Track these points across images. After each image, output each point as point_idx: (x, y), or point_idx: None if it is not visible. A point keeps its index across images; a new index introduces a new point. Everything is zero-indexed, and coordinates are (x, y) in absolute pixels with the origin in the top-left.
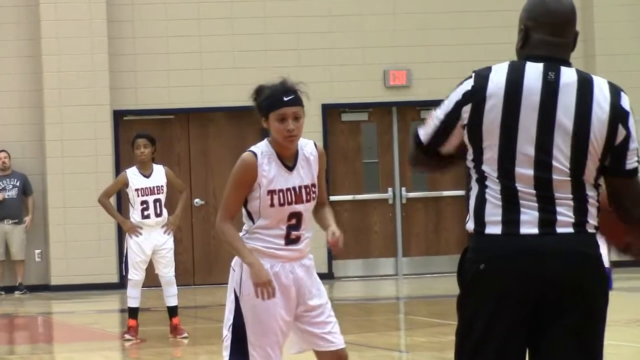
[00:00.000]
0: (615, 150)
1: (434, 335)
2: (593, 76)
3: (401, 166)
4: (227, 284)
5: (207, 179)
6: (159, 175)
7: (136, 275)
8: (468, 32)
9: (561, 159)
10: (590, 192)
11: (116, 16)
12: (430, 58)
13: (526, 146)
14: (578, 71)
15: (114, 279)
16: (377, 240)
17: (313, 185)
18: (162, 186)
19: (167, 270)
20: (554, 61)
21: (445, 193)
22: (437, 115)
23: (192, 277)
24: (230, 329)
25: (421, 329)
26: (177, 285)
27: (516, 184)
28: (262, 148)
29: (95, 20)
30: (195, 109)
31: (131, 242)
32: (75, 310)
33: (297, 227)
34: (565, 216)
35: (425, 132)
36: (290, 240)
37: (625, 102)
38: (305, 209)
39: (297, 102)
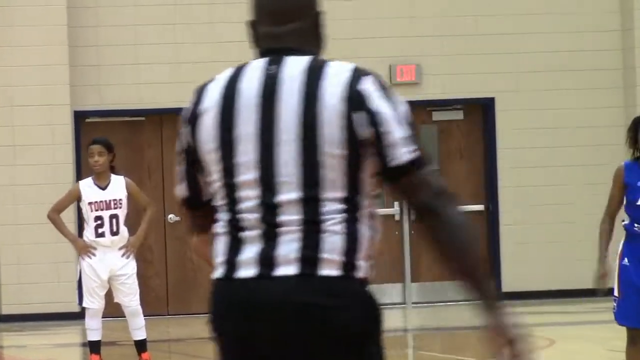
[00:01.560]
0: (361, 143)
1: None
2: (333, 62)
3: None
4: (207, 313)
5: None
6: (118, 187)
7: (92, 303)
8: (488, 20)
9: (288, 172)
10: (331, 214)
11: (76, 2)
12: (443, 50)
13: (247, 161)
14: (312, 59)
15: (74, 307)
16: (381, 263)
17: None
18: (120, 200)
19: (128, 299)
20: (281, 53)
21: (461, 208)
22: (177, 157)
23: (165, 306)
24: None
25: None
26: (149, 315)
27: (241, 212)
28: None
29: (52, 5)
30: (170, 109)
31: (84, 265)
32: (29, 344)
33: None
34: (289, 251)
35: (179, 186)
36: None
37: (368, 83)
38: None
39: None
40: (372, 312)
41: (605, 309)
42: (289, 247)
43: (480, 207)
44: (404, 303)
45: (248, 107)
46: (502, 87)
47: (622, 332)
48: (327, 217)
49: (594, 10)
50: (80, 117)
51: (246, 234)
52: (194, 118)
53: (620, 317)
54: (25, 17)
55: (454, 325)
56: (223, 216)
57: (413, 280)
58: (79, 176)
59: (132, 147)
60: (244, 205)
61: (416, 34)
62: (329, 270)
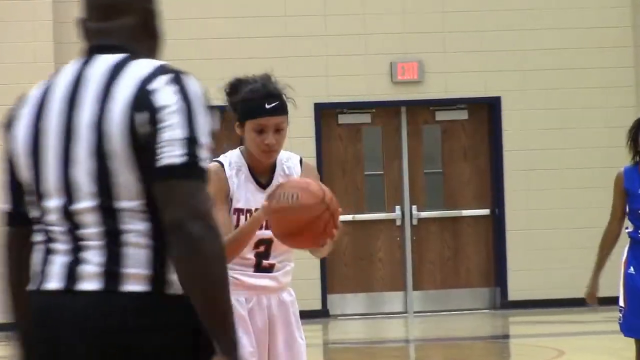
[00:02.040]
0: (142, 145)
1: None
2: (139, 61)
3: (411, 179)
4: None
5: None
6: None
7: None
8: (494, 16)
9: (83, 180)
10: (133, 225)
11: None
12: (447, 47)
13: (50, 170)
14: (121, 57)
15: None
16: (382, 270)
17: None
18: None
19: None
20: (105, 50)
21: (466, 212)
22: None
23: None
24: None
25: None
26: None
27: (50, 222)
28: (231, 158)
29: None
30: None
31: None
32: None
33: (266, 255)
34: (91, 264)
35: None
36: (262, 269)
37: (162, 81)
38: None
39: (281, 110)
40: (182, 335)
41: (616, 318)
42: (91, 260)
43: (485, 212)
44: (406, 312)
45: (53, 111)
46: (508, 86)
47: (632, 342)
48: (128, 227)
49: (603, 5)
50: None
51: (55, 245)
52: (10, 123)
53: (627, 328)
54: (10, 12)
55: (459, 336)
56: (38, 226)
57: (415, 288)
58: None
59: None
60: (51, 216)
61: (418, 29)
62: (134, 285)
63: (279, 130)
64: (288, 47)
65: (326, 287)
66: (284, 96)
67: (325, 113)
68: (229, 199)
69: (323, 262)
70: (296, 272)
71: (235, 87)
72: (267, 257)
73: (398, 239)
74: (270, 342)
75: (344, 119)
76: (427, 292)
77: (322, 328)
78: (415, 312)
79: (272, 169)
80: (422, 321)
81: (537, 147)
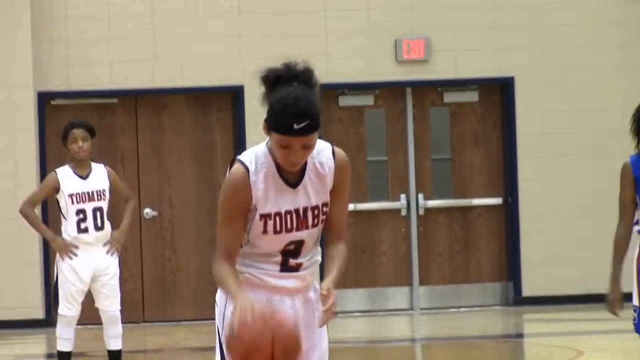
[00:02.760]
0: None
1: None
2: None
3: (417, 166)
4: (187, 320)
5: (161, 182)
6: (100, 176)
7: (69, 309)
8: None
9: None
10: None
11: None
12: (456, 23)
13: None
14: None
15: (39, 314)
16: (386, 263)
17: (324, 204)
18: (103, 190)
19: (109, 303)
20: None
21: (476, 201)
22: None
23: (141, 312)
24: None
25: None
26: (123, 323)
27: None
28: (256, 156)
29: None
30: (146, 90)
31: (63, 266)
32: None
33: (295, 254)
34: None
35: None
36: (288, 268)
37: None
38: (310, 234)
39: (311, 129)
40: None
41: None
42: None
43: (498, 201)
44: (412, 309)
45: None
46: (522, 65)
47: None
48: None
49: None
50: (45, 99)
51: None
52: None
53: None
54: None
55: (469, 335)
56: None
57: (422, 283)
58: (44, 166)
59: (103, 133)
60: None
61: (425, 3)
62: None
63: (306, 148)
64: (284, 23)
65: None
66: (316, 112)
67: (324, 94)
68: (248, 211)
69: (322, 256)
70: None
71: (271, 82)
72: (296, 256)
73: (403, 230)
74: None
75: (345, 100)
76: (434, 287)
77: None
78: (421, 309)
79: (303, 165)
80: (429, 319)
81: (554, 131)
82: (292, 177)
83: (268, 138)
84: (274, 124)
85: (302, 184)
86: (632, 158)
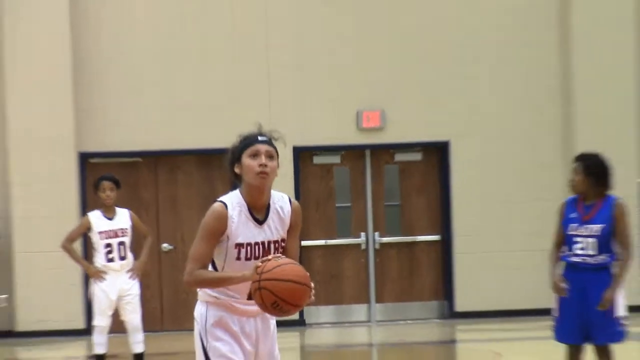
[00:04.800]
0: None
1: None
2: None
3: (374, 210)
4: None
5: (175, 223)
6: (123, 218)
7: (102, 321)
8: (444, 68)
9: None
10: None
11: (82, 52)
12: (405, 97)
13: None
14: None
15: (81, 325)
16: (349, 286)
17: (282, 240)
18: (126, 229)
19: (133, 317)
20: None
21: (420, 238)
22: None
23: (160, 323)
24: None
25: None
26: (145, 331)
27: None
28: (232, 199)
29: (59, 65)
30: (163, 151)
31: (96, 288)
32: (41, 357)
33: None
34: None
35: None
36: (251, 297)
37: None
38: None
39: (271, 143)
40: None
41: (545, 327)
42: None
43: (436, 237)
44: (369, 321)
45: None
46: (455, 132)
47: (560, 346)
48: None
49: (538, 59)
50: (85, 159)
51: None
52: None
53: (559, 335)
54: (30, 57)
55: (413, 341)
56: None
57: (377, 301)
58: (84, 210)
59: (131, 184)
60: None
61: (381, 82)
62: None
63: (270, 157)
64: (270, 96)
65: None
66: (273, 140)
67: (302, 155)
68: (220, 237)
69: None
70: None
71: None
72: None
73: (363, 260)
74: (256, 353)
75: (318, 159)
76: (387, 304)
77: (299, 335)
78: (377, 321)
79: (267, 207)
80: (383, 329)
81: (479, 184)
82: (259, 215)
83: (238, 188)
84: (243, 145)
85: (266, 222)
86: (568, 199)
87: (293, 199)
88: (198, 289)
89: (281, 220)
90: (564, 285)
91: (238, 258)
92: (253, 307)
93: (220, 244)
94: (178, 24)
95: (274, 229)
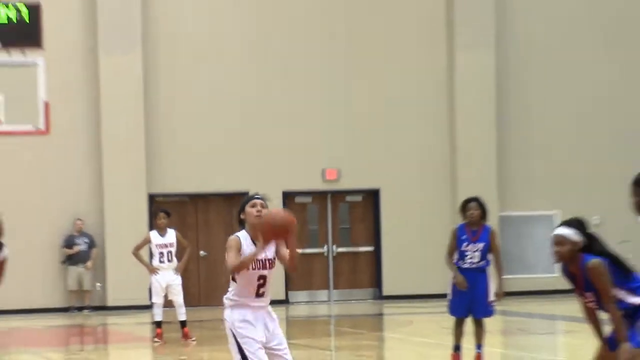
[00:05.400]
0: None
1: (353, 341)
2: None
3: (332, 231)
4: (222, 305)
5: (207, 239)
6: (171, 235)
7: (157, 299)
8: (379, 138)
9: None
10: None
11: (152, 116)
12: (352, 160)
13: None
14: None
15: (147, 302)
16: (317, 278)
17: (273, 258)
18: (172, 243)
19: (177, 298)
20: None
21: (361, 249)
22: None
23: (197, 300)
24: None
25: (344, 336)
26: (187, 306)
27: None
28: (242, 234)
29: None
30: (200, 194)
31: (153, 279)
32: (122, 322)
33: (263, 285)
34: None
35: None
36: (258, 294)
37: None
38: (269, 272)
39: (262, 199)
40: None
41: (442, 305)
42: None
43: (371, 248)
44: (329, 301)
45: None
46: (383, 183)
47: (451, 318)
48: None
49: (432, 127)
50: (153, 198)
51: None
52: None
53: (452, 310)
54: (119, 120)
55: (356, 314)
56: None
57: (334, 288)
58: (151, 228)
59: (181, 215)
60: None
61: (337, 150)
62: None
63: (262, 207)
64: (269, 160)
65: (288, 285)
66: (265, 199)
67: (288, 196)
68: (240, 252)
69: (287, 275)
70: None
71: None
72: (263, 287)
73: (325, 262)
74: (267, 333)
75: (298, 199)
76: (340, 290)
77: (285, 309)
78: (334, 301)
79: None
80: (338, 306)
81: (400, 214)
82: (257, 242)
83: (245, 228)
84: (246, 201)
85: (258, 245)
86: (459, 225)
87: None
88: (224, 299)
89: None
90: (462, 282)
91: (247, 269)
92: (261, 303)
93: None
94: (214, 104)
95: (268, 251)
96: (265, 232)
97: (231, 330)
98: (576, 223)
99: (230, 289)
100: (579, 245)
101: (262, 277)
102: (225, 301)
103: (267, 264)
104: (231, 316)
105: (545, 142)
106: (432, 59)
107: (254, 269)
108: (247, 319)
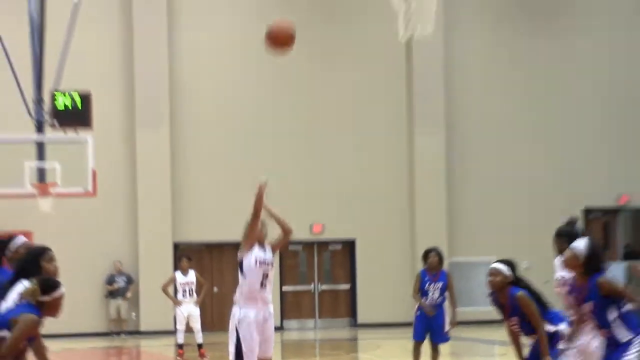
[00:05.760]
0: None
1: (330, 357)
2: None
3: (318, 272)
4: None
5: (220, 279)
6: (192, 275)
7: (180, 326)
8: (355, 198)
9: None
10: None
11: (178, 173)
12: (334, 216)
13: None
14: None
15: (172, 328)
16: (305, 309)
17: (272, 260)
18: (193, 281)
19: (196, 325)
20: None
21: (341, 287)
22: None
23: (212, 326)
24: (234, 350)
25: (327, 356)
26: (203, 331)
27: None
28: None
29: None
30: (212, 243)
31: (177, 310)
32: (153, 344)
33: (266, 278)
34: None
35: None
36: (262, 286)
37: None
38: (270, 270)
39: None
40: None
41: (405, 332)
42: None
43: (347, 286)
44: (315, 328)
45: None
46: (358, 234)
47: (412, 342)
48: None
49: (391, 185)
50: (177, 246)
51: None
52: None
53: (414, 334)
54: (153, 179)
55: (336, 338)
56: None
57: (319, 317)
58: (175, 269)
59: (199, 260)
60: None
61: (322, 207)
62: None
63: (262, 225)
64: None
65: (283, 315)
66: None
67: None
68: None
69: (283, 302)
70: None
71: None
72: (266, 279)
73: (311, 297)
74: (263, 332)
75: (291, 248)
76: (324, 319)
77: (280, 334)
78: (319, 328)
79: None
80: (323, 332)
81: (369, 261)
82: (263, 247)
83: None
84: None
85: (266, 250)
86: (422, 270)
87: (269, 244)
88: (235, 297)
89: (271, 250)
90: (430, 310)
91: (255, 263)
92: (264, 294)
93: (250, 257)
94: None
95: (269, 254)
96: (271, 36)
97: (235, 326)
98: (508, 262)
99: (240, 285)
100: (509, 279)
101: (265, 275)
102: (236, 299)
103: (269, 264)
104: (239, 314)
105: (485, 204)
106: (396, 141)
107: (259, 267)
108: (251, 320)
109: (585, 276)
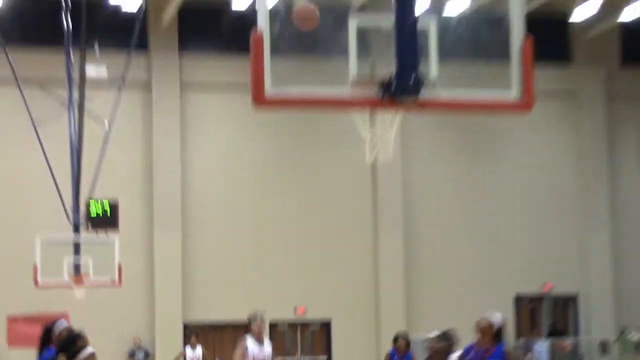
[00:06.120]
0: None
1: None
2: None
3: (301, 346)
4: None
5: (222, 352)
6: (199, 349)
7: None
8: (330, 281)
9: None
10: None
11: (188, 258)
12: (313, 298)
13: None
14: None
15: None
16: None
17: (269, 356)
18: (199, 356)
19: None
20: None
21: (319, 357)
22: None
23: None
24: None
25: None
26: None
27: None
28: (249, 337)
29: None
30: (218, 323)
31: None
32: None
33: None
34: None
35: None
36: None
37: None
38: None
39: (262, 316)
40: None
41: None
42: None
43: (326, 357)
44: None
45: None
46: (334, 314)
47: None
48: None
49: (355, 266)
50: (186, 326)
51: None
52: None
53: None
54: (170, 268)
55: None
56: None
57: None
58: (185, 344)
59: (207, 337)
60: None
61: (305, 291)
62: None
63: (261, 319)
64: (261, 301)
65: None
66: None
67: (272, 325)
68: (247, 351)
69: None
70: None
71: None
72: None
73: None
74: None
75: (279, 328)
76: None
77: None
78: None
79: (262, 342)
80: None
81: (344, 335)
82: (260, 344)
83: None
84: (252, 318)
85: (264, 346)
86: (392, 350)
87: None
88: None
89: (267, 347)
90: None
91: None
92: None
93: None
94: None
95: (266, 348)
96: (299, 17)
97: None
98: (445, 332)
99: None
100: (444, 347)
101: None
102: None
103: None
104: None
105: (437, 291)
106: (362, 239)
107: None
108: None
109: (494, 342)
